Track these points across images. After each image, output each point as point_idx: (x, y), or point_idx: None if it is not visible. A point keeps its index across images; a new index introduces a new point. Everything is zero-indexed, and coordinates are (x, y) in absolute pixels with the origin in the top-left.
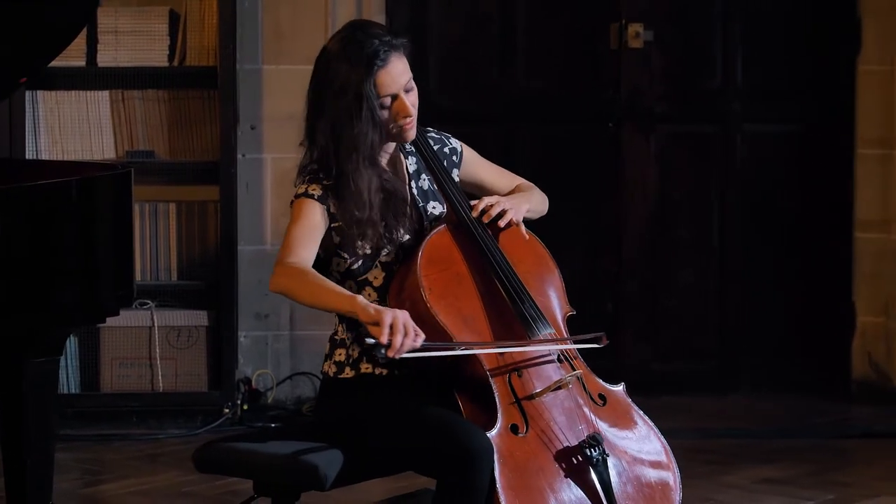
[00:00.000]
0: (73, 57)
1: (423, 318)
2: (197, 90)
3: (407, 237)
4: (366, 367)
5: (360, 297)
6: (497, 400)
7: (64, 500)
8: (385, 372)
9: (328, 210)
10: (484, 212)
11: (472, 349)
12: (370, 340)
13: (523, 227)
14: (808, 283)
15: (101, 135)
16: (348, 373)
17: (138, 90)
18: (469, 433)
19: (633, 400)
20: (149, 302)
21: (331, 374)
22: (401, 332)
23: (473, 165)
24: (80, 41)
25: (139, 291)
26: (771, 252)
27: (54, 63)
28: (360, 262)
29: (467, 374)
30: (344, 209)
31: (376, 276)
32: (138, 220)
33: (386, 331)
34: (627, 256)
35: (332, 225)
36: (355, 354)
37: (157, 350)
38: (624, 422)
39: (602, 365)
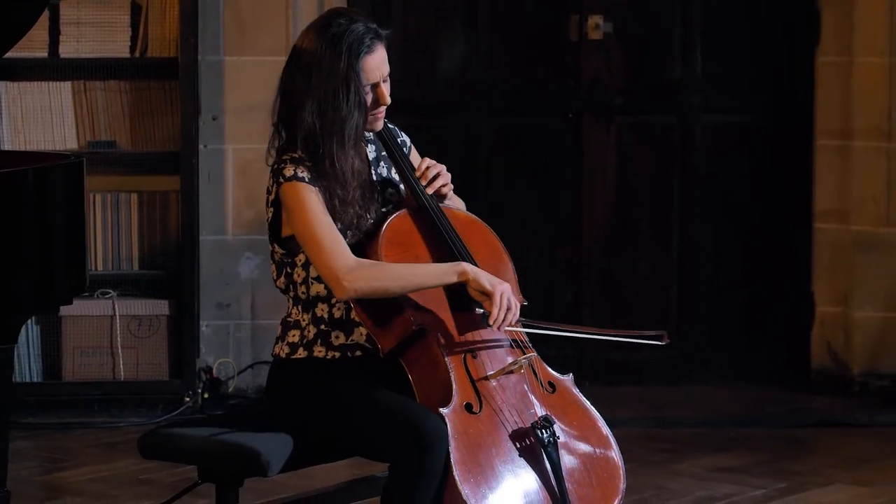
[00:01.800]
0: (35, 48)
1: (388, 302)
2: (158, 81)
3: (370, 221)
4: (319, 351)
5: (466, 264)
6: (453, 379)
7: (21, 487)
8: (337, 355)
9: (318, 192)
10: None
11: (571, 332)
12: (479, 310)
13: (455, 200)
14: (767, 273)
15: (63, 125)
16: (301, 353)
17: (100, 81)
18: (425, 418)
19: (591, 389)
20: (110, 291)
21: (282, 356)
22: (505, 307)
23: (415, 161)
24: (42, 32)
25: (101, 281)
26: (730, 242)
27: (17, 54)
28: None
29: (421, 352)
30: (324, 189)
31: None
32: (100, 209)
33: (498, 305)
34: (587, 246)
35: None
36: (310, 336)
37: (119, 339)
38: (572, 410)
39: (562, 354)
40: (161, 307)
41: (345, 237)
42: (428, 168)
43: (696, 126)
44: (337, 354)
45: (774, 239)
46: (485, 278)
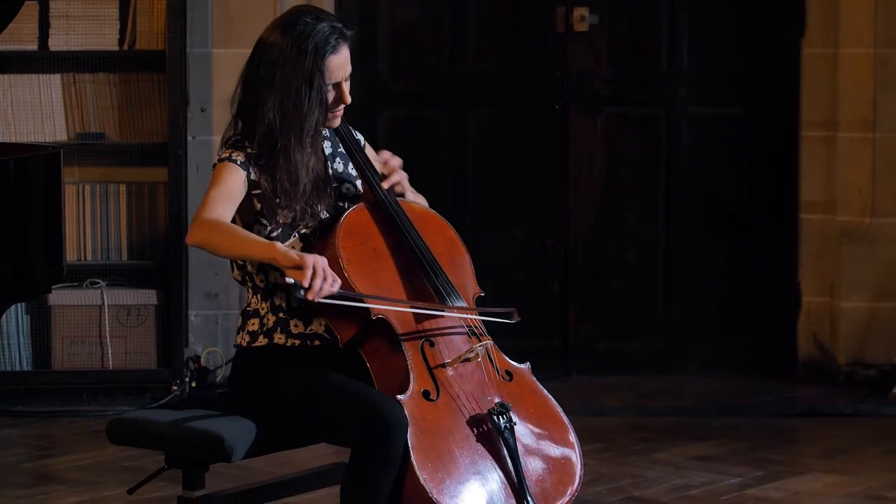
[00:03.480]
0: (25, 41)
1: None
2: (146, 74)
3: (325, 214)
4: (279, 338)
5: (279, 244)
6: (410, 366)
7: (6, 474)
8: (297, 343)
9: (249, 176)
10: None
11: (385, 304)
12: (290, 280)
13: (418, 197)
14: (754, 263)
15: (52, 117)
16: (261, 341)
17: (89, 73)
18: (384, 403)
19: (578, 379)
20: (99, 281)
21: (244, 345)
22: (320, 276)
23: (370, 156)
24: (32, 26)
25: (90, 271)
26: (717, 233)
27: (7, 47)
28: (279, 231)
29: (380, 342)
30: (273, 179)
31: (294, 245)
32: (89, 200)
33: (309, 273)
34: (574, 237)
35: (254, 192)
36: (269, 324)
37: (108, 328)
38: (529, 398)
39: (550, 344)
40: (149, 297)
41: (297, 225)
42: (387, 161)
43: (682, 117)
44: (297, 342)
45: (760, 230)
46: (293, 253)
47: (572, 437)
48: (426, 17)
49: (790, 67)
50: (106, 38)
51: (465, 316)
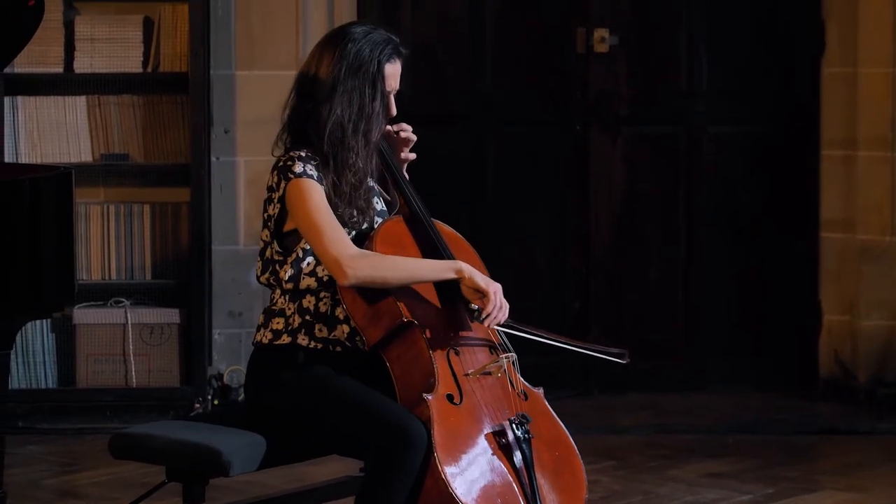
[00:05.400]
0: (51, 64)
1: (379, 294)
2: (170, 95)
3: (365, 225)
4: (302, 339)
5: (463, 263)
6: (436, 371)
7: (27, 490)
8: (319, 346)
9: (323, 186)
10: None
11: (553, 340)
12: (473, 307)
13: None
14: (774, 282)
15: (77, 138)
16: (284, 339)
17: (114, 95)
18: (409, 418)
19: (598, 397)
20: (123, 300)
21: (265, 342)
22: (497, 305)
23: None
24: (58, 49)
25: (114, 290)
26: (737, 252)
27: (33, 70)
28: None
29: (407, 349)
30: (337, 182)
31: None
32: (113, 220)
33: (493, 301)
34: (595, 255)
35: None
36: (295, 324)
37: (131, 346)
38: (542, 420)
39: (570, 362)
40: (172, 315)
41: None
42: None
43: (702, 136)
44: (319, 346)
45: (781, 248)
46: (479, 277)
47: (580, 463)
48: (446, 38)
49: (809, 86)
50: (130, 61)
51: (582, 350)
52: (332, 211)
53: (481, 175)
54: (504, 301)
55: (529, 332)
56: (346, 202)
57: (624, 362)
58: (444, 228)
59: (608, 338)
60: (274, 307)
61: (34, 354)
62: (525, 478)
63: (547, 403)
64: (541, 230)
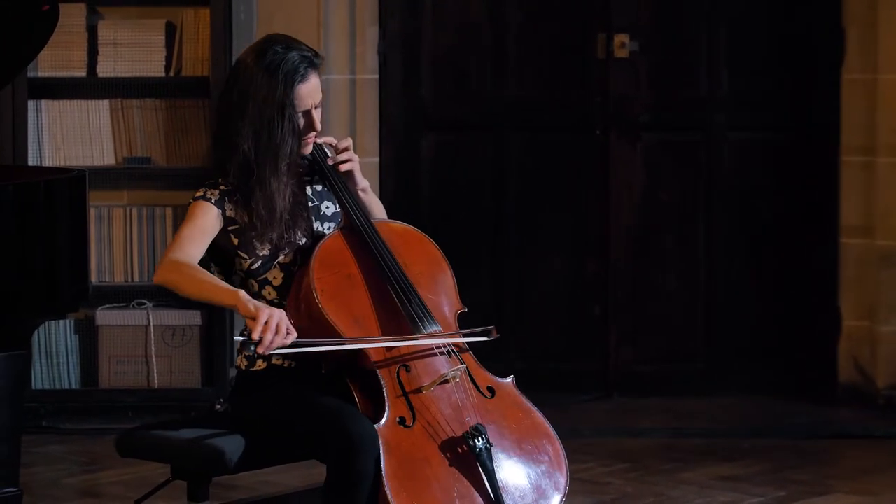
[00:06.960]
0: (74, 68)
1: (315, 318)
2: (192, 99)
3: (304, 240)
4: (277, 360)
5: (243, 292)
6: (385, 393)
7: (47, 489)
8: (294, 364)
9: (224, 213)
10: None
11: (343, 345)
12: (238, 339)
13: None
14: (793, 287)
15: (101, 142)
16: (260, 365)
17: (137, 99)
18: (352, 420)
19: (618, 401)
20: (146, 302)
21: (243, 368)
22: (272, 331)
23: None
24: (81, 53)
25: (136, 292)
26: (757, 257)
27: (57, 74)
28: (259, 263)
29: (359, 369)
30: (249, 211)
31: (275, 276)
32: (136, 223)
33: (259, 328)
34: (614, 261)
35: (230, 228)
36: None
37: (153, 348)
38: (512, 412)
39: (591, 367)
40: (194, 317)
41: (277, 256)
42: (347, 147)
43: (722, 143)
44: (293, 363)
45: (800, 254)
46: (252, 305)
47: (559, 451)
48: (468, 44)
49: (829, 92)
50: (153, 65)
51: (435, 342)
52: (202, 228)
53: (502, 180)
54: (283, 324)
55: (316, 344)
56: (268, 226)
57: (492, 338)
58: (392, 228)
59: (628, 343)
60: (245, 331)
61: (57, 355)
62: (489, 490)
63: (519, 392)
64: (561, 235)
